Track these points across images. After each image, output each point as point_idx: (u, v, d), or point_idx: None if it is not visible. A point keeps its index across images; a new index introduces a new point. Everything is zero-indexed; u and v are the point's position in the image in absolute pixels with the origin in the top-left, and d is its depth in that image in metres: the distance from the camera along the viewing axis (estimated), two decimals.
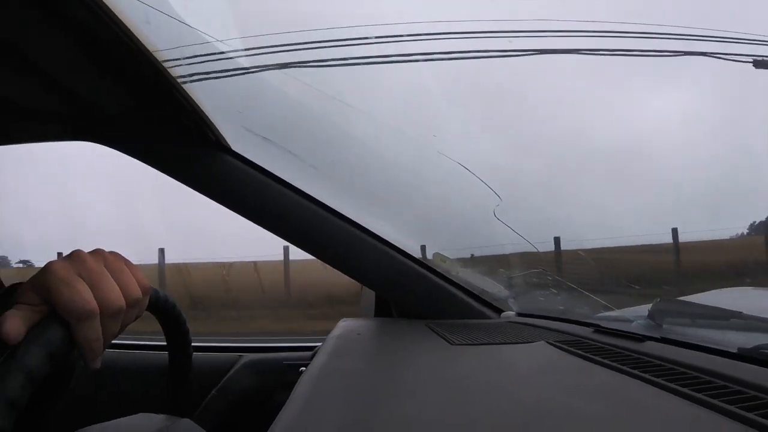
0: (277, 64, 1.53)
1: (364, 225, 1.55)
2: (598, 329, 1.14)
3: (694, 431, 0.56)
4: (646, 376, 0.75)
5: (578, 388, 0.74)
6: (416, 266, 1.57)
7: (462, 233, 1.92)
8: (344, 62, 1.57)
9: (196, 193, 1.46)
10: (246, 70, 1.54)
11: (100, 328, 0.66)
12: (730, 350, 0.81)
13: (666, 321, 1.06)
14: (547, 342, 1.08)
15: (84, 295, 0.64)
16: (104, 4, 0.93)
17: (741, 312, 0.96)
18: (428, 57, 1.63)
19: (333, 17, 1.55)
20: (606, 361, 0.86)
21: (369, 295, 1.76)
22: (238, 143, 1.51)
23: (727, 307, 1.00)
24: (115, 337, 0.71)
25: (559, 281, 1.73)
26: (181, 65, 1.28)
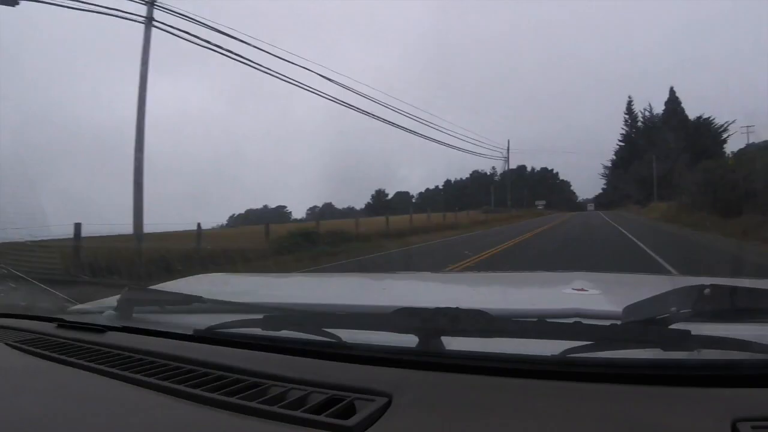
0: None
1: None
2: (62, 324, 1.05)
3: (137, 415, 0.56)
4: (104, 368, 0.72)
5: (31, 390, 0.67)
6: None
7: None
8: None
9: None
10: None
11: None
12: (187, 333, 0.85)
13: (136, 310, 1.05)
14: (5, 343, 0.95)
15: None
16: None
17: (201, 296, 1.02)
18: None
19: None
20: (65, 357, 0.80)
21: None
22: None
23: (196, 293, 1.05)
24: None
25: (16, 275, 1.53)
26: None
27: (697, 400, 0.60)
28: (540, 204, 53.37)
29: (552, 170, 65.92)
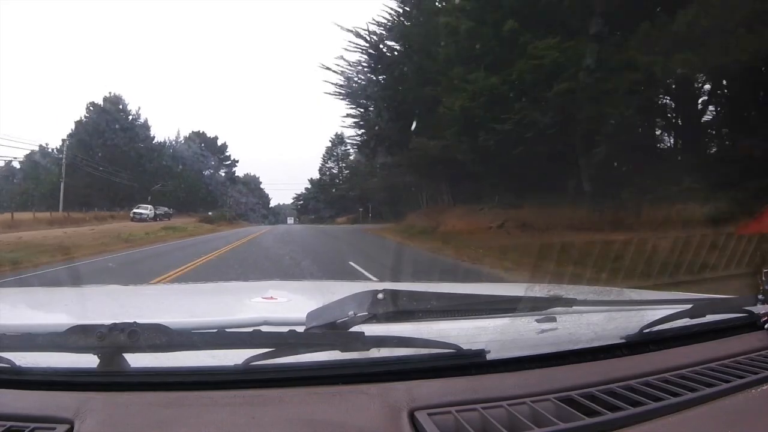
0: None
1: None
2: None
3: None
4: None
5: None
6: None
7: None
8: None
9: None
10: None
11: None
12: None
13: None
14: None
15: None
16: None
17: None
18: None
19: None
20: None
21: None
22: None
23: None
24: None
25: None
26: None
27: (376, 395, 0.66)
28: (142, 208, 27.12)
29: (224, 144, 38.76)
